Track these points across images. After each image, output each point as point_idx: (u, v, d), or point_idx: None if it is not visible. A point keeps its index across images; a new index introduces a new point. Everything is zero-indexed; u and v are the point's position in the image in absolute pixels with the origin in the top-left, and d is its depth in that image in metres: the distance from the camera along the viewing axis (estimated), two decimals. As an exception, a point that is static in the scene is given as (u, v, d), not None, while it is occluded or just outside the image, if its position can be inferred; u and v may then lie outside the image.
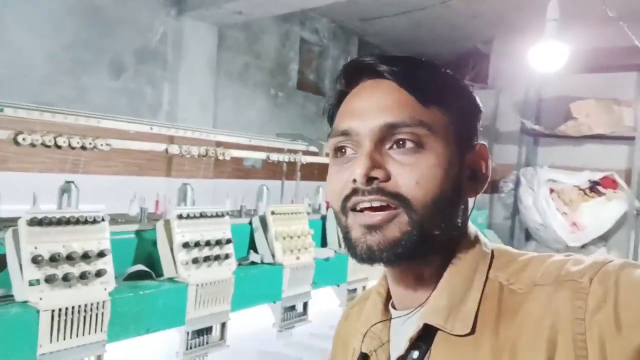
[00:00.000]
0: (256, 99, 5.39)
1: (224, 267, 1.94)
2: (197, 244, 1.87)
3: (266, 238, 2.24)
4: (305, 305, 2.35)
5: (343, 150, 0.73)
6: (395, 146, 0.69)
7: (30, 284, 1.41)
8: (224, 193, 2.41)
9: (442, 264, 0.72)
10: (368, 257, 0.69)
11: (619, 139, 4.96)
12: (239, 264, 2.05)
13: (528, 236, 5.47)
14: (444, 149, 0.69)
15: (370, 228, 0.68)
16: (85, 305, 1.49)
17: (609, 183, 4.94)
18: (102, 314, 1.53)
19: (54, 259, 1.45)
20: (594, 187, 4.94)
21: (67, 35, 3.85)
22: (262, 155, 2.55)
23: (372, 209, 0.68)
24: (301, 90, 5.97)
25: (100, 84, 4.07)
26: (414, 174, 0.67)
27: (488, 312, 0.67)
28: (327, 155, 2.94)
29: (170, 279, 1.83)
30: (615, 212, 4.78)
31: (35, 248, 1.44)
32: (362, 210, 0.69)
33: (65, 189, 1.79)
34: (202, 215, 1.94)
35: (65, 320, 1.45)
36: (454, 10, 5.24)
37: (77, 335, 1.48)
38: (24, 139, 1.57)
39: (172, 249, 1.85)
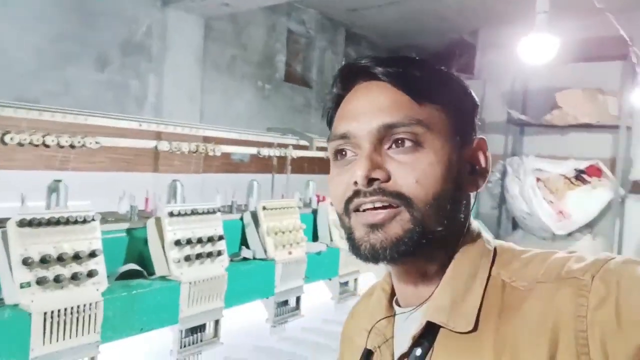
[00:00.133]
0: (243, 92, 5.35)
1: (217, 264, 1.93)
2: (189, 242, 1.86)
3: (258, 233, 2.24)
4: (297, 299, 2.35)
5: (343, 152, 0.73)
6: (394, 146, 0.69)
7: (21, 286, 1.39)
8: (212, 187, 2.39)
9: (445, 261, 0.72)
10: (372, 256, 0.69)
11: (603, 128, 5.01)
12: (231, 260, 2.04)
13: (515, 225, 5.52)
14: (443, 145, 0.69)
15: (373, 227, 0.68)
16: (78, 307, 1.48)
17: (594, 171, 4.99)
18: (95, 314, 1.52)
19: (44, 261, 1.44)
20: (579, 176, 4.99)
21: (52, 28, 3.78)
22: (252, 150, 2.53)
23: (374, 208, 0.68)
24: (288, 82, 5.93)
25: (85, 78, 4.00)
26: (413, 172, 0.67)
27: (490, 309, 0.67)
28: (317, 149, 2.94)
29: (163, 278, 1.81)
30: (600, 200, 4.84)
31: (26, 250, 1.42)
32: (364, 211, 0.69)
33: (54, 188, 1.76)
34: (194, 213, 1.93)
35: (58, 322, 1.44)
36: (441, 1, 5.23)
37: (70, 337, 1.46)
38: (11, 139, 1.54)
39: (163, 247, 1.83)
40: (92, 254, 1.54)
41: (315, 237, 2.66)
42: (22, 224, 1.43)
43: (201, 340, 1.90)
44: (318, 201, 2.77)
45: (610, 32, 4.08)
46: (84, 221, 1.56)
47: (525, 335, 0.62)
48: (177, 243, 1.82)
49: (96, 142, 1.73)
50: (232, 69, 5.20)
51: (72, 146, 1.68)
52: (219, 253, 1.94)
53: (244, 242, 2.28)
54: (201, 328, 1.90)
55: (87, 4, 3.96)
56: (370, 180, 0.67)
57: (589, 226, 5.03)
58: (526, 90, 5.58)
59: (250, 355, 2.21)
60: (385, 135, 0.69)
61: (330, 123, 0.77)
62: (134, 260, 1.85)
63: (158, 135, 2.82)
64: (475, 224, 0.76)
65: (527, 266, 0.68)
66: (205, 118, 4.82)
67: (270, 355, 2.24)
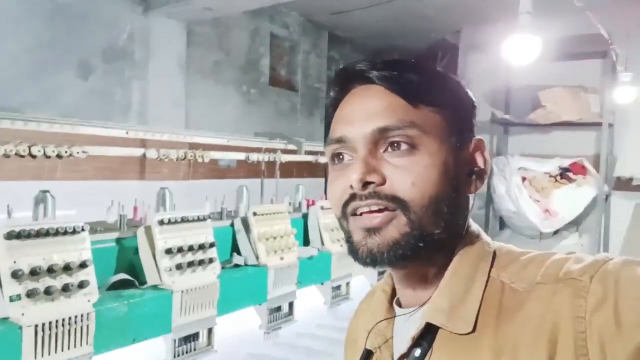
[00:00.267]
0: (228, 97, 5.32)
1: (209, 271, 1.92)
2: (179, 250, 1.84)
3: (249, 240, 2.22)
4: (290, 305, 2.34)
5: (340, 156, 0.73)
6: (389, 149, 0.69)
7: (11, 299, 1.37)
8: (198, 194, 2.37)
9: (445, 262, 0.72)
10: (370, 259, 0.69)
11: (586, 125, 5.07)
12: (223, 268, 2.03)
13: (502, 224, 5.56)
14: (439, 148, 0.69)
15: (370, 231, 0.69)
16: (70, 319, 1.46)
17: (579, 169, 5.04)
18: (87, 326, 1.50)
19: (34, 273, 1.41)
20: (564, 174, 5.04)
21: (30, 35, 3.72)
22: (241, 155, 2.51)
23: (371, 211, 0.68)
24: (274, 86, 5.92)
25: (66, 86, 3.95)
26: (409, 175, 0.68)
27: (489, 310, 0.67)
28: (306, 153, 2.93)
29: (154, 287, 1.79)
30: (585, 197, 4.88)
31: (15, 262, 1.40)
32: (361, 214, 0.69)
33: (41, 199, 1.73)
34: (184, 220, 1.91)
35: (50, 335, 1.41)
36: (423, 2, 5.26)
37: (62, 350, 1.44)
38: (-3, 150, 1.52)
39: (154, 256, 1.81)
40: (83, 265, 1.52)
41: (306, 242, 2.65)
42: (11, 236, 1.40)
43: (195, 349, 1.88)
44: (308, 205, 2.76)
45: (590, 30, 4.13)
46: (74, 232, 1.53)
47: (524, 337, 0.62)
48: (168, 251, 1.80)
49: (83, 152, 1.71)
50: (216, 74, 5.18)
51: (59, 156, 1.65)
52: (211, 260, 1.93)
53: (235, 249, 2.26)
54: (194, 337, 1.88)
55: (66, 11, 3.91)
56: (365, 184, 0.68)
57: (575, 223, 5.08)
58: (509, 89, 5.63)
59: (244, 363, 2.20)
60: (380, 139, 0.69)
61: (328, 126, 0.77)
62: (125, 270, 1.83)
63: (144, 143, 2.79)
64: (475, 226, 0.77)
65: (526, 268, 0.68)
66: (191, 124, 4.79)
67: (265, 361, 2.23)
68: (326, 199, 2.75)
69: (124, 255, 1.86)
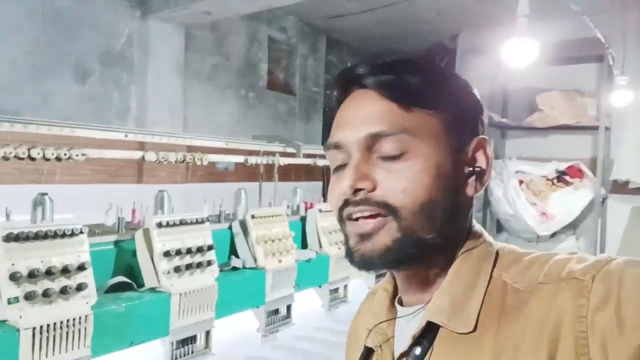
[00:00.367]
0: (226, 100, 5.33)
1: (207, 274, 1.92)
2: (178, 252, 1.84)
3: (247, 242, 2.22)
4: (288, 308, 2.34)
5: (339, 161, 0.74)
6: (383, 154, 0.69)
7: (9, 302, 1.37)
8: (197, 197, 2.38)
9: (447, 263, 0.73)
10: (364, 264, 0.70)
11: (583, 128, 5.08)
12: (221, 270, 2.03)
13: (499, 227, 5.57)
14: (433, 151, 0.69)
15: (363, 237, 0.70)
16: (68, 321, 1.46)
17: (576, 172, 5.06)
18: (85, 328, 1.50)
19: (32, 275, 1.41)
20: (561, 177, 5.05)
21: (28, 40, 3.73)
22: (239, 158, 2.52)
23: (365, 217, 0.69)
24: (272, 90, 5.93)
25: (65, 90, 3.95)
26: (399, 181, 0.68)
27: (491, 310, 0.67)
28: (304, 156, 2.94)
29: (152, 289, 1.79)
30: (582, 200, 4.90)
31: (13, 264, 1.40)
32: (357, 220, 0.70)
33: (40, 201, 1.73)
34: (182, 223, 1.91)
35: (47, 338, 1.41)
36: (420, 6, 5.28)
37: (60, 353, 1.44)
38: (-5, 153, 1.52)
39: (152, 259, 1.81)
40: (81, 267, 1.52)
41: (304, 245, 2.65)
42: (9, 238, 1.40)
43: (192, 352, 1.88)
44: (306, 208, 2.77)
45: (587, 34, 4.15)
46: (72, 234, 1.54)
47: (525, 337, 0.63)
48: (166, 254, 1.81)
49: (82, 154, 1.71)
50: (214, 78, 5.19)
51: (58, 159, 1.65)
52: (209, 263, 1.93)
53: (233, 252, 2.26)
54: (192, 339, 1.88)
55: (63, 15, 3.92)
56: (356, 190, 0.69)
57: (572, 226, 5.10)
58: (506, 93, 5.65)
59: (242, 366, 2.20)
60: (372, 144, 0.69)
61: (330, 128, 0.78)
62: (123, 273, 1.83)
63: (142, 146, 2.79)
64: (478, 226, 0.77)
65: (528, 268, 0.68)
66: (189, 128, 4.79)
67: (263, 364, 2.23)
68: (324, 201, 2.76)
69: (122, 257, 1.86)
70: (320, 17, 5.97)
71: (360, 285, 2.94)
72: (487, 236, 0.76)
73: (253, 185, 2.79)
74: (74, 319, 1.46)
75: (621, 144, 5.02)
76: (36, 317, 1.39)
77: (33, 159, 1.59)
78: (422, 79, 0.71)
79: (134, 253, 1.84)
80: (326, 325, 2.58)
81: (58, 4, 3.89)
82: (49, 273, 1.44)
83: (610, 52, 4.46)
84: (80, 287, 1.50)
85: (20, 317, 1.37)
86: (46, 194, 1.74)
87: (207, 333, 1.93)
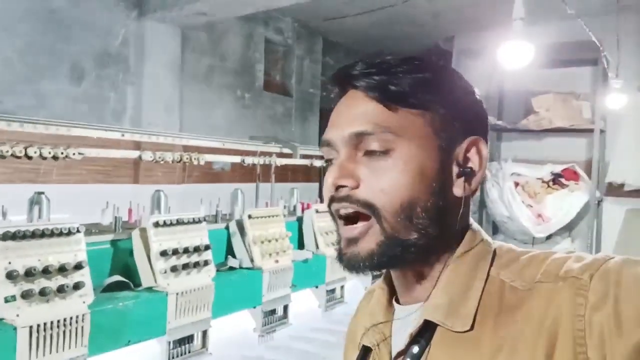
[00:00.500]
0: (223, 101, 5.33)
1: (203, 274, 1.92)
2: (175, 252, 1.84)
3: (244, 242, 2.22)
4: (285, 308, 2.34)
5: (331, 158, 0.75)
6: (367, 153, 0.70)
7: (6, 300, 1.36)
8: (193, 198, 2.37)
9: (441, 261, 0.73)
10: (351, 267, 0.72)
11: (578, 131, 5.09)
12: (218, 270, 2.03)
13: (495, 229, 5.58)
14: (417, 151, 0.69)
15: (350, 241, 0.71)
16: (64, 320, 1.45)
17: (571, 175, 5.08)
18: (82, 327, 1.49)
19: (29, 274, 1.41)
20: (556, 179, 5.07)
21: (23, 40, 3.72)
22: (236, 159, 2.52)
23: (350, 220, 0.71)
24: (268, 91, 5.93)
25: (60, 90, 3.94)
26: (380, 181, 0.69)
27: (489, 309, 0.67)
28: (301, 157, 2.94)
29: (149, 289, 1.79)
30: (577, 202, 4.91)
31: (10, 263, 1.40)
32: (345, 219, 0.72)
33: (36, 200, 1.73)
34: (179, 222, 1.91)
35: (44, 337, 1.41)
36: (416, 8, 5.29)
37: (57, 351, 1.43)
38: (-7, 151, 1.51)
39: (149, 258, 1.81)
40: (78, 266, 1.52)
41: (301, 245, 2.66)
42: (6, 237, 1.40)
43: (189, 352, 1.88)
44: (303, 209, 2.77)
45: (582, 38, 4.17)
46: (69, 233, 1.53)
47: (523, 335, 0.63)
48: (163, 253, 1.80)
49: (79, 153, 1.71)
50: (211, 79, 5.18)
51: (54, 157, 1.65)
52: (206, 263, 1.93)
53: (230, 252, 2.26)
54: (189, 339, 1.88)
55: (59, 16, 3.91)
56: (338, 187, 0.70)
57: (568, 229, 5.11)
58: (502, 95, 5.66)
59: (238, 366, 2.20)
60: (357, 143, 0.71)
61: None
62: (120, 272, 1.83)
63: (139, 146, 2.79)
64: (476, 225, 0.76)
65: (526, 267, 0.68)
66: (185, 128, 4.78)
67: (259, 364, 2.22)
68: (321, 202, 2.76)
69: (119, 257, 1.86)
70: (316, 18, 5.98)
71: (357, 285, 2.94)
72: (485, 235, 0.76)
73: (250, 185, 2.79)
74: (70, 318, 1.46)
75: (616, 147, 5.05)
76: (33, 315, 1.39)
77: (30, 158, 1.58)
78: (411, 80, 0.71)
79: (130, 252, 1.84)
80: (323, 326, 2.58)
81: (54, 4, 3.88)
82: (45, 272, 1.44)
83: (605, 55, 4.48)
84: (77, 286, 1.49)
85: (18, 315, 1.37)
86: (43, 193, 1.73)
87: (204, 333, 1.93)
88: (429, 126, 0.71)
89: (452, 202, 0.72)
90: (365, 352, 0.79)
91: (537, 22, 3.80)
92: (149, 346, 1.77)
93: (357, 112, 0.71)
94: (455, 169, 0.72)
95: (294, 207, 2.83)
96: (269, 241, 2.25)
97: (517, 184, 5.09)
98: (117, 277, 1.77)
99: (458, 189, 0.72)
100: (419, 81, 0.72)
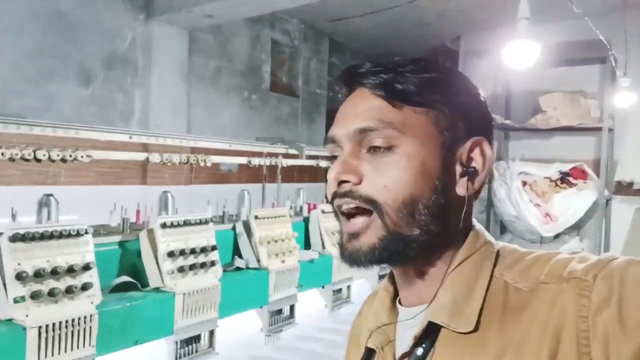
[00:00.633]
0: (229, 103, 5.35)
1: (210, 274, 1.93)
2: (182, 253, 1.85)
3: (250, 243, 2.24)
4: (292, 308, 2.35)
5: (335, 155, 0.76)
6: (371, 150, 0.71)
7: (15, 301, 1.38)
8: (200, 199, 2.39)
9: (444, 261, 0.73)
10: (352, 261, 0.72)
11: (586, 130, 5.07)
12: (225, 271, 2.04)
13: (503, 229, 5.56)
14: (420, 149, 0.70)
15: (352, 236, 0.72)
16: (73, 320, 1.47)
17: (579, 174, 5.05)
18: (90, 327, 1.51)
19: (38, 275, 1.43)
20: (564, 178, 5.05)
21: (32, 43, 3.75)
22: (243, 160, 2.53)
23: (352, 215, 0.71)
24: (275, 92, 5.95)
25: (68, 93, 3.97)
26: (383, 177, 0.69)
27: (492, 310, 0.68)
28: (307, 157, 2.95)
29: (157, 289, 1.81)
30: (585, 201, 4.89)
31: (19, 264, 1.41)
32: (348, 219, 0.72)
33: (45, 202, 1.75)
34: (186, 223, 1.92)
35: (53, 337, 1.43)
36: (422, 9, 5.28)
37: (65, 351, 1.45)
38: (2, 154, 1.53)
39: (157, 259, 1.82)
40: (86, 267, 1.53)
41: (307, 245, 2.67)
42: (15, 238, 1.42)
43: (196, 351, 1.89)
44: (309, 209, 2.78)
45: (589, 36, 4.15)
46: (77, 234, 1.55)
47: (527, 337, 0.63)
48: (170, 254, 1.82)
49: (87, 156, 1.73)
50: (218, 81, 5.21)
51: (63, 160, 1.67)
52: (212, 263, 1.94)
53: (237, 252, 2.27)
54: (196, 339, 1.89)
55: (67, 18, 3.94)
56: (341, 182, 0.71)
57: (576, 228, 5.09)
58: (509, 95, 5.65)
59: (245, 365, 2.21)
60: (361, 140, 0.71)
61: None
62: (128, 273, 1.84)
63: (146, 148, 2.81)
64: (479, 226, 0.77)
65: (530, 267, 0.68)
66: (192, 130, 4.81)
67: (266, 364, 2.24)
68: (327, 202, 2.77)
69: (126, 258, 1.88)
70: (322, 19, 5.99)
71: (364, 285, 2.95)
72: (488, 236, 0.76)
73: (256, 186, 2.80)
74: (79, 318, 1.48)
75: (624, 145, 5.02)
76: (42, 316, 1.41)
77: (39, 161, 1.60)
78: (417, 79, 0.72)
79: (138, 253, 1.86)
80: (329, 326, 2.59)
81: (62, 7, 3.91)
82: (54, 273, 1.46)
83: (613, 53, 4.46)
84: (85, 287, 1.51)
85: (27, 316, 1.39)
86: (51, 195, 1.75)
87: (211, 332, 1.94)
88: (433, 125, 0.71)
89: (455, 201, 0.72)
90: (369, 354, 0.79)
91: (543, 22, 3.79)
92: (156, 346, 1.78)
93: (362, 109, 0.72)
94: (458, 169, 0.73)
95: (301, 207, 2.84)
96: (275, 241, 2.26)
97: (524, 183, 5.07)
98: (125, 278, 1.79)
99: (461, 189, 0.72)
100: (425, 81, 0.72)
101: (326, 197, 0.83)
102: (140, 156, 2.00)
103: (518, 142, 5.64)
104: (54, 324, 1.43)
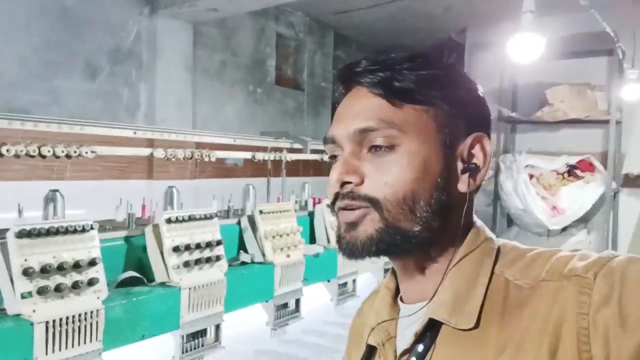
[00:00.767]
0: (234, 97, 5.35)
1: (216, 269, 1.94)
2: (187, 247, 1.86)
3: (255, 237, 2.24)
4: (297, 302, 2.36)
5: (335, 155, 0.76)
6: (372, 150, 0.71)
7: (23, 296, 1.39)
8: (206, 193, 2.39)
9: (445, 257, 0.73)
10: (349, 252, 0.72)
11: (593, 122, 5.04)
12: (230, 265, 2.05)
13: (510, 222, 5.55)
14: (421, 147, 0.70)
15: (349, 226, 0.72)
16: (79, 315, 1.48)
17: (586, 166, 5.03)
18: (97, 322, 1.52)
19: (45, 270, 1.44)
20: (571, 171, 5.02)
21: (38, 38, 3.76)
22: (247, 154, 2.53)
23: (351, 208, 0.71)
24: (280, 86, 5.94)
25: (74, 87, 3.99)
26: (384, 176, 0.69)
27: (493, 307, 0.68)
28: (311, 151, 2.95)
29: (163, 284, 1.82)
30: (593, 194, 4.86)
31: (26, 260, 1.42)
32: (346, 209, 0.72)
33: (51, 198, 1.76)
34: (191, 218, 1.93)
35: (60, 332, 1.44)
36: (427, 1, 5.26)
37: (72, 346, 1.46)
38: (7, 150, 1.54)
39: (162, 254, 1.83)
40: (92, 263, 1.54)
41: (312, 240, 2.67)
42: (22, 234, 1.43)
43: (202, 345, 1.90)
44: (314, 203, 2.78)
45: (596, 28, 4.12)
46: (83, 230, 1.56)
47: (527, 334, 0.63)
48: (176, 249, 1.83)
49: (92, 152, 1.73)
50: (222, 75, 5.21)
51: (68, 156, 1.68)
52: (218, 258, 1.95)
53: (242, 247, 2.28)
54: (202, 333, 1.90)
55: (73, 13, 3.95)
56: (343, 184, 0.71)
57: (584, 220, 5.07)
58: (516, 87, 5.62)
59: (252, 359, 2.22)
60: (361, 139, 0.71)
61: None
62: (133, 268, 1.85)
63: (152, 143, 2.82)
64: (479, 222, 0.77)
65: (530, 265, 0.69)
66: (197, 124, 4.82)
67: (272, 358, 2.25)
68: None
69: (132, 253, 1.89)
70: (327, 12, 5.97)
71: (369, 279, 2.95)
72: (489, 233, 0.76)
73: (262, 181, 2.81)
74: (85, 313, 1.49)
75: (632, 138, 4.99)
76: (49, 311, 1.42)
77: (43, 157, 1.61)
78: (414, 77, 0.72)
79: (144, 248, 1.87)
80: (335, 319, 2.60)
81: (67, 2, 3.92)
82: (60, 268, 1.46)
83: (620, 45, 4.42)
84: (91, 282, 1.52)
85: (34, 311, 1.40)
86: (57, 190, 1.76)
87: (217, 327, 1.95)
88: (433, 122, 0.71)
89: (456, 198, 0.73)
90: (371, 351, 0.80)
91: (550, 14, 3.76)
92: (163, 340, 1.79)
93: (361, 108, 0.72)
94: (459, 165, 0.73)
95: (306, 201, 2.84)
96: (280, 236, 2.27)
97: (531, 176, 5.05)
98: (131, 273, 1.80)
99: (463, 185, 0.73)
100: (423, 78, 0.72)
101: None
102: (145, 152, 2.01)
103: (525, 134, 5.62)
104: (60, 319, 1.44)
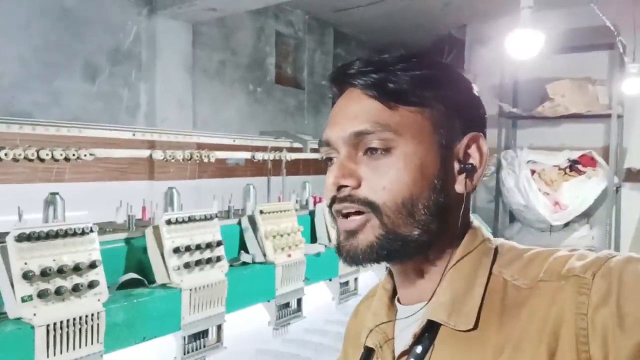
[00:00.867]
0: (235, 96, 5.34)
1: (217, 269, 1.94)
2: (187, 249, 1.86)
3: (256, 237, 2.24)
4: (299, 301, 2.35)
5: (331, 158, 0.75)
6: (368, 152, 0.71)
7: (23, 300, 1.39)
8: (206, 193, 2.39)
9: (443, 259, 0.73)
10: (350, 260, 0.72)
11: (595, 117, 5.03)
12: (231, 265, 2.05)
13: (512, 218, 5.54)
14: (417, 149, 0.69)
15: (349, 234, 0.71)
16: (80, 318, 1.48)
17: (588, 161, 5.01)
18: (98, 325, 1.52)
19: (45, 274, 1.44)
20: (573, 166, 5.01)
21: (38, 38, 3.76)
22: (246, 154, 2.53)
23: (349, 214, 0.71)
24: (280, 85, 5.93)
25: (74, 88, 3.99)
26: (381, 179, 0.69)
27: (491, 308, 0.68)
28: (311, 150, 2.95)
29: (163, 285, 1.82)
30: (595, 189, 4.85)
31: (26, 264, 1.42)
32: (346, 217, 0.72)
33: (51, 201, 1.76)
34: (191, 219, 1.93)
35: (61, 335, 1.44)
36: (426, -2, 5.25)
37: (73, 349, 1.46)
38: (5, 155, 1.54)
39: (162, 255, 1.83)
40: (92, 265, 1.54)
41: (313, 239, 2.67)
42: (21, 238, 1.43)
43: (204, 346, 1.90)
44: (315, 203, 2.78)
45: (596, 23, 4.10)
46: (83, 233, 1.56)
47: (526, 334, 0.63)
48: (176, 250, 1.82)
49: (90, 154, 1.73)
50: (222, 74, 5.20)
51: (66, 159, 1.68)
52: (218, 259, 1.95)
53: (243, 247, 2.28)
54: (204, 334, 1.90)
55: (72, 14, 3.94)
56: (340, 187, 0.70)
57: (586, 216, 5.05)
58: (516, 83, 5.60)
59: (254, 359, 2.22)
60: (357, 143, 0.71)
61: None
62: (134, 269, 1.85)
63: (152, 144, 2.82)
64: (477, 223, 0.76)
65: (528, 265, 0.68)
66: (198, 124, 4.82)
67: (274, 357, 2.25)
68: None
69: (133, 254, 1.89)
70: (327, 10, 5.96)
71: (371, 277, 2.95)
72: (486, 233, 0.76)
73: (262, 180, 2.80)
74: (86, 316, 1.49)
75: (634, 132, 4.97)
76: (50, 314, 1.42)
77: (42, 160, 1.61)
78: (408, 78, 0.71)
79: (144, 250, 1.87)
80: (337, 318, 2.60)
81: (67, 2, 3.92)
82: (60, 271, 1.46)
83: (621, 39, 4.40)
84: (91, 285, 1.52)
85: (34, 314, 1.40)
86: (57, 193, 1.76)
87: (219, 327, 1.95)
88: (429, 123, 0.71)
89: (454, 199, 0.72)
90: (369, 353, 0.80)
91: (551, 8, 3.74)
92: (165, 342, 1.79)
93: (356, 111, 0.71)
94: (456, 166, 0.73)
95: (306, 201, 2.84)
96: (281, 236, 2.26)
97: (533, 172, 5.04)
98: (132, 275, 1.80)
99: (459, 186, 0.72)
100: (417, 78, 0.71)
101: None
102: (144, 153, 2.01)
103: (526, 130, 5.60)
104: (61, 322, 1.44)
